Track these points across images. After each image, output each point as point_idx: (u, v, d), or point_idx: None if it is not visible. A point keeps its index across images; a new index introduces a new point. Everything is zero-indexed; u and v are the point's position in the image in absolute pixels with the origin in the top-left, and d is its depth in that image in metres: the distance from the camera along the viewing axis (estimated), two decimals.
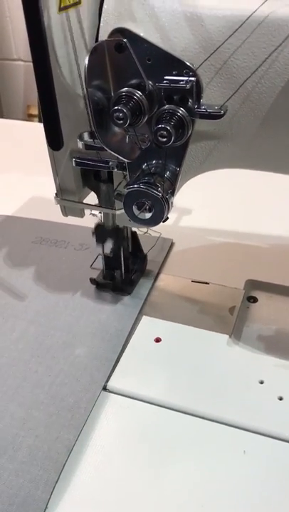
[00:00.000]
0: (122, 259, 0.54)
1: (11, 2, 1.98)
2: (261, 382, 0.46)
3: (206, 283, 0.58)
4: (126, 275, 0.56)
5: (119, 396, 0.45)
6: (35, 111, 2.03)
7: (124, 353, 0.49)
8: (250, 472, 0.39)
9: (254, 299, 0.57)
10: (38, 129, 0.96)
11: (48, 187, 0.51)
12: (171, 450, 0.41)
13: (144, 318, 0.53)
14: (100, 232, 0.53)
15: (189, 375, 0.47)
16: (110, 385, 0.46)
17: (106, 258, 0.55)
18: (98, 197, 0.50)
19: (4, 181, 0.81)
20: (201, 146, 0.42)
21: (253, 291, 0.58)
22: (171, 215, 0.62)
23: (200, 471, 0.39)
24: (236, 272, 0.59)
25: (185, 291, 0.57)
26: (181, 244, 0.64)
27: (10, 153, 0.92)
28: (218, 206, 0.73)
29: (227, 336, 0.50)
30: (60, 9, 0.35)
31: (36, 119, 2.01)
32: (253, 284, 0.58)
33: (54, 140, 0.39)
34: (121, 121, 0.37)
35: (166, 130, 0.36)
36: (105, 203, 0.49)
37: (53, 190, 0.49)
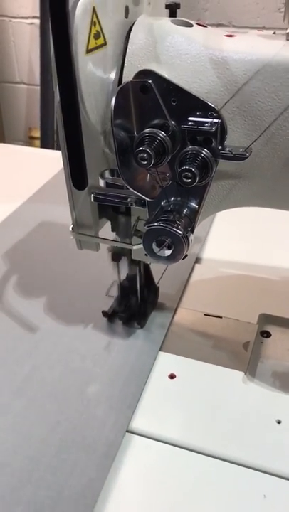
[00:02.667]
0: (138, 284, 0.54)
1: (15, 27, 2.01)
2: (279, 422, 0.45)
3: (219, 317, 0.57)
4: (140, 306, 0.55)
5: (135, 435, 0.44)
6: (36, 133, 2.05)
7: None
8: None
9: (267, 334, 0.56)
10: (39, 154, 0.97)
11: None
12: (189, 493, 0.40)
13: (158, 354, 0.52)
14: (116, 250, 0.52)
15: (205, 414, 0.46)
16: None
17: (121, 284, 0.55)
18: (115, 228, 0.50)
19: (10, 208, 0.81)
20: (221, 185, 0.42)
21: (266, 325, 0.57)
22: None
23: None
24: (249, 306, 0.59)
25: (198, 325, 0.56)
26: (193, 276, 0.64)
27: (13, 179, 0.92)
28: (230, 238, 0.73)
29: (242, 373, 0.50)
30: (88, 51, 0.35)
31: (38, 141, 2.02)
32: (266, 319, 0.57)
33: (79, 180, 0.39)
34: (145, 162, 0.37)
35: (191, 171, 0.36)
36: (122, 235, 0.49)
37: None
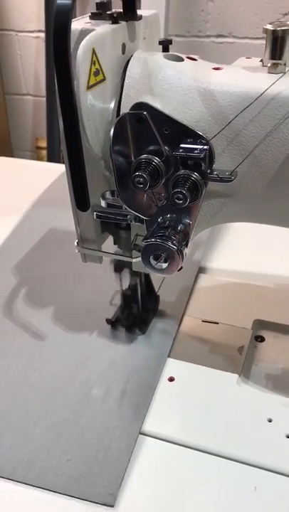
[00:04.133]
0: (139, 293, 0.58)
1: (22, 41, 2.06)
2: (270, 421, 0.49)
3: (216, 323, 0.61)
4: (142, 313, 0.59)
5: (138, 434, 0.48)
6: (43, 143, 2.10)
7: None
8: (260, 507, 0.42)
9: (261, 339, 0.60)
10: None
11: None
12: (185, 487, 0.44)
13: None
14: (118, 262, 0.56)
15: (202, 414, 0.50)
16: None
17: (124, 294, 0.59)
18: (117, 242, 0.54)
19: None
20: (212, 203, 0.46)
21: (260, 330, 0.61)
22: None
23: (215, 506, 0.42)
24: (244, 312, 0.62)
25: (196, 331, 0.60)
26: (190, 284, 0.68)
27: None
28: (227, 247, 0.76)
29: (237, 376, 0.53)
30: (88, 87, 0.40)
31: (44, 151, 2.07)
32: (260, 324, 0.61)
33: (81, 203, 0.43)
34: (141, 185, 0.41)
35: (182, 194, 0.40)
36: (124, 248, 0.53)
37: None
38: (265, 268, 0.71)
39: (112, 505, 0.41)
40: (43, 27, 1.92)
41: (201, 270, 0.71)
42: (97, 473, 0.44)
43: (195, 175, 0.41)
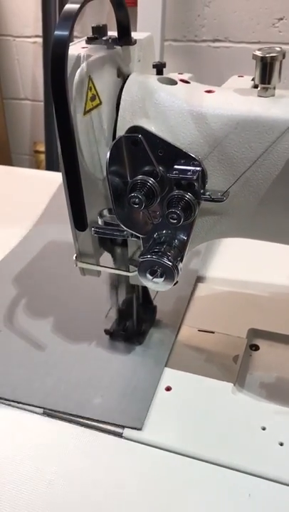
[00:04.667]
0: (136, 305, 0.59)
1: (19, 46, 2.08)
2: (263, 429, 0.51)
3: (212, 332, 0.63)
4: (138, 326, 0.61)
5: (134, 443, 0.50)
6: (41, 147, 2.11)
7: None
8: None
9: (256, 347, 0.61)
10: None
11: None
12: (182, 494, 0.45)
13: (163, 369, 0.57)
14: (114, 279, 0.58)
15: (198, 423, 0.51)
16: (126, 433, 0.50)
17: (119, 309, 0.60)
18: (113, 259, 0.55)
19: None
20: (206, 220, 0.47)
21: (255, 339, 0.62)
22: None
23: None
24: (239, 321, 0.64)
25: (192, 341, 0.62)
26: (187, 293, 0.69)
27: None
28: (223, 257, 0.78)
29: (232, 384, 0.55)
30: (85, 113, 0.41)
31: (42, 155, 2.08)
32: (255, 333, 0.63)
33: (79, 223, 0.44)
34: (137, 205, 0.42)
35: (176, 213, 0.42)
36: (120, 264, 0.55)
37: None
38: (259, 277, 0.72)
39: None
40: (40, 32, 1.94)
41: (199, 279, 0.72)
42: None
43: (188, 195, 0.42)
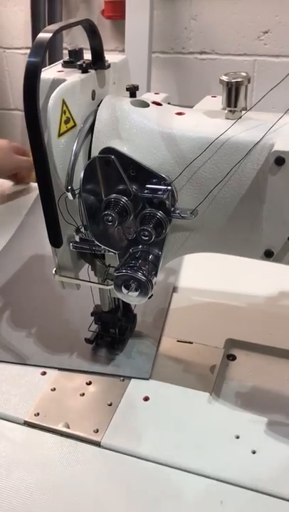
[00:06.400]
0: (117, 329, 0.61)
1: (9, 57, 2.10)
2: (237, 437, 0.52)
3: (190, 342, 0.64)
4: (119, 336, 0.63)
5: (112, 452, 0.51)
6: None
7: (116, 411, 0.55)
8: None
9: (233, 357, 0.63)
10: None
11: None
12: (157, 502, 0.47)
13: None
14: (98, 316, 0.60)
15: (174, 432, 0.53)
16: (104, 441, 0.52)
17: (102, 324, 0.62)
18: (94, 270, 0.57)
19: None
20: (178, 236, 0.49)
21: (232, 349, 0.64)
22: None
23: None
24: (217, 331, 0.65)
25: (171, 351, 0.63)
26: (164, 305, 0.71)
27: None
28: (201, 268, 0.79)
29: (208, 394, 0.57)
30: (60, 135, 0.43)
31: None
32: (232, 343, 0.64)
33: (55, 240, 0.46)
34: (110, 223, 0.44)
35: (148, 231, 0.44)
36: (100, 275, 0.56)
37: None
38: (237, 288, 0.74)
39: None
40: (30, 44, 1.96)
41: (175, 290, 0.74)
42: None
43: (160, 213, 0.44)
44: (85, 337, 0.63)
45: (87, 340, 0.63)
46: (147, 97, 0.55)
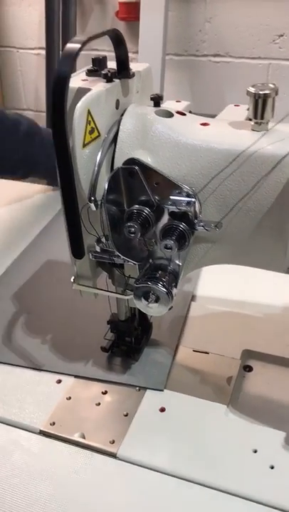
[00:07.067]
0: (133, 338, 0.61)
1: (22, 57, 2.10)
2: (255, 451, 0.52)
3: (206, 352, 0.64)
4: (135, 345, 0.62)
5: (128, 463, 0.51)
6: None
7: (132, 422, 0.54)
8: None
9: (249, 368, 0.62)
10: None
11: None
12: None
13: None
14: (114, 325, 0.60)
15: (190, 444, 0.52)
16: (120, 453, 0.51)
17: (118, 332, 0.62)
18: (112, 279, 0.56)
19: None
20: (200, 247, 0.48)
21: (248, 360, 0.63)
22: None
23: None
24: (234, 342, 0.65)
25: (187, 361, 0.63)
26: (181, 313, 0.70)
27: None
28: (218, 279, 0.78)
29: (225, 406, 0.56)
30: (84, 145, 0.43)
31: None
32: (248, 354, 0.64)
33: (77, 252, 0.46)
34: (133, 234, 0.44)
35: (171, 243, 0.43)
36: (118, 285, 0.56)
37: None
38: (254, 298, 0.73)
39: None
40: (43, 44, 1.96)
41: (193, 298, 0.74)
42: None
43: (183, 225, 0.44)
44: (100, 345, 0.63)
45: (103, 349, 0.63)
46: (169, 105, 0.54)
